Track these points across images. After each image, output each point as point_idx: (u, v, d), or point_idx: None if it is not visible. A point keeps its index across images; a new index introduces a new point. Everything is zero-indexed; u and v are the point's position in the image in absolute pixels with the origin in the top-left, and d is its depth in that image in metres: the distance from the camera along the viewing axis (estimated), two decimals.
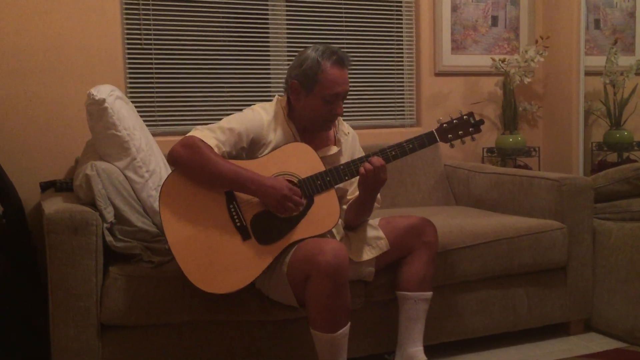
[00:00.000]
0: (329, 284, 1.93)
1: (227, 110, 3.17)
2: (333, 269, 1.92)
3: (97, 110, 2.23)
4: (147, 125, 2.67)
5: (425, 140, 2.14)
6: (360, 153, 2.32)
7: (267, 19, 3.28)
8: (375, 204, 2.25)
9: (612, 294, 2.69)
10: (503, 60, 3.50)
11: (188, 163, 2.03)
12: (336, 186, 2.14)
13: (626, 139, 3.64)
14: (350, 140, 2.34)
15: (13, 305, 2.33)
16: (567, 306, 2.71)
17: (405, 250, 2.28)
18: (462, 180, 3.24)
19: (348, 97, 2.24)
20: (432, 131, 2.15)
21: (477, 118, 2.18)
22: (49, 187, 2.66)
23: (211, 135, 2.07)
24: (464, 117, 2.17)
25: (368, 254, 2.24)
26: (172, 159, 2.06)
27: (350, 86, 2.22)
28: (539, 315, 2.67)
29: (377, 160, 2.07)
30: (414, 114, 3.61)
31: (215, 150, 2.04)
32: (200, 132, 2.07)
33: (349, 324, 2.03)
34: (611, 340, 2.68)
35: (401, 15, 3.55)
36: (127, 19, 3.00)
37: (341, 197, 2.24)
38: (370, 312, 2.38)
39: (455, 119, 2.17)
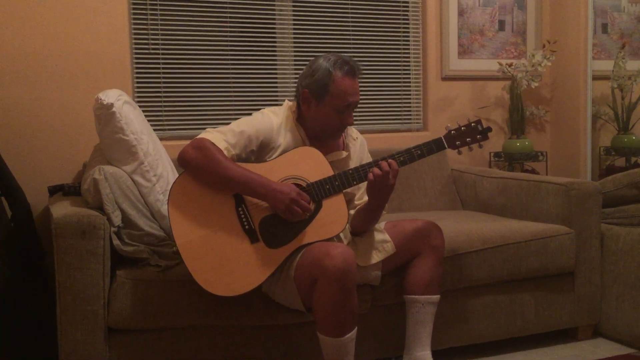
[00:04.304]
0: (336, 288, 1.93)
1: (234, 114, 3.17)
2: (341, 273, 1.92)
3: (105, 114, 2.24)
4: (155, 130, 2.68)
5: (434, 147, 2.14)
6: (368, 159, 2.33)
7: (274, 24, 3.28)
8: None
9: (621, 300, 2.67)
10: (510, 65, 3.49)
11: (198, 165, 2.04)
12: (344, 191, 2.14)
13: (634, 144, 3.62)
14: (359, 145, 2.35)
15: (21, 309, 2.34)
16: (575, 311, 2.70)
17: (412, 254, 2.27)
18: (469, 185, 3.23)
19: None
20: (440, 138, 2.15)
21: (485, 125, 2.18)
22: (57, 191, 2.67)
23: (221, 137, 2.08)
24: (472, 124, 2.16)
25: (374, 258, 2.24)
26: (182, 160, 2.06)
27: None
28: (547, 320, 2.66)
29: (386, 165, 2.07)
30: (420, 119, 3.61)
31: (225, 152, 2.05)
32: (210, 135, 2.08)
33: (356, 328, 2.03)
34: (620, 346, 2.67)
35: (408, 19, 3.55)
36: (134, 23, 3.01)
37: (348, 202, 2.24)
38: (378, 316, 2.38)
39: (463, 126, 2.16)
